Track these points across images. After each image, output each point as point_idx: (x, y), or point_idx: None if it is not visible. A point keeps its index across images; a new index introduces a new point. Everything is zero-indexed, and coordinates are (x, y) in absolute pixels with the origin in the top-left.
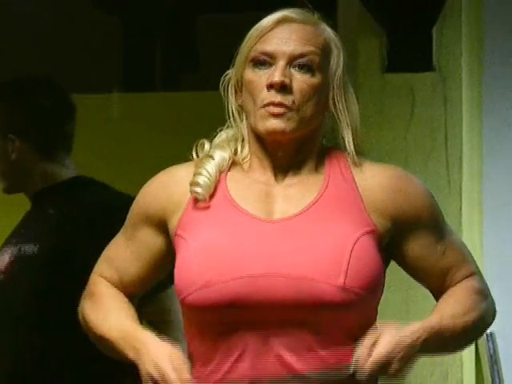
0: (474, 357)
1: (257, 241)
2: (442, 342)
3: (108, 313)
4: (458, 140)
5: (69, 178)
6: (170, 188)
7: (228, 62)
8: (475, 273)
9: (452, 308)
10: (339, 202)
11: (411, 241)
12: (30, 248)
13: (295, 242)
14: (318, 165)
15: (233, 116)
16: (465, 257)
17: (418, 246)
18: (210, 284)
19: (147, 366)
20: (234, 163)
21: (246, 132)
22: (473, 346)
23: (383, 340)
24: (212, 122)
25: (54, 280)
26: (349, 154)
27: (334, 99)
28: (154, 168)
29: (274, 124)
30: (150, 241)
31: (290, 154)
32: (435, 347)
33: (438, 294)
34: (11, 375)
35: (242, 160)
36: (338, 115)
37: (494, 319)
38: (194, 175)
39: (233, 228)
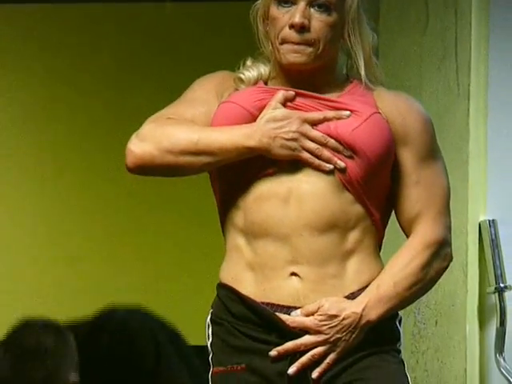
0: (478, 242)
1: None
2: (389, 307)
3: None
4: (467, 48)
5: None
6: (224, 81)
7: None
8: (437, 226)
9: (393, 275)
10: (358, 101)
11: (408, 157)
12: None
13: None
14: (336, 87)
15: (261, 42)
16: (435, 201)
17: (396, 166)
18: None
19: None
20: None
21: (271, 56)
22: (476, 233)
23: (323, 307)
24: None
25: None
26: (361, 79)
27: (348, 33)
28: None
29: (294, 58)
30: (206, 105)
31: (310, 79)
32: (384, 312)
33: (406, 233)
34: None
35: (270, 80)
36: (351, 47)
37: (447, 266)
38: (239, 73)
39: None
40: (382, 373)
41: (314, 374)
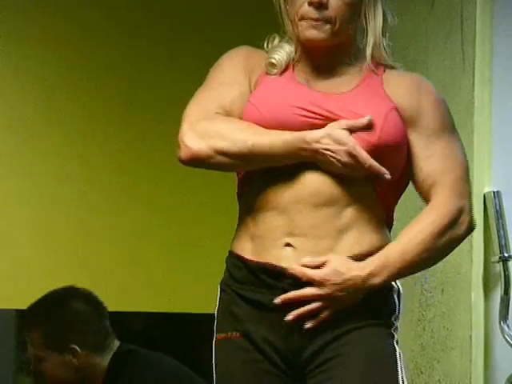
0: (483, 213)
1: (309, 99)
2: (394, 273)
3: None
4: (472, 23)
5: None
6: (249, 58)
7: None
8: (453, 195)
9: (403, 244)
10: (371, 90)
11: (417, 139)
12: None
13: (340, 105)
14: (354, 68)
15: (284, 21)
16: (450, 171)
17: (409, 146)
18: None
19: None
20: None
21: (293, 35)
22: (481, 204)
23: (329, 263)
24: None
25: None
26: (368, 58)
27: (365, 12)
28: None
29: (313, 34)
30: (247, 86)
31: (329, 58)
32: (389, 278)
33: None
34: None
35: (296, 63)
36: (366, 26)
37: (465, 234)
38: (270, 55)
39: (290, 91)
40: (360, 352)
41: (308, 325)
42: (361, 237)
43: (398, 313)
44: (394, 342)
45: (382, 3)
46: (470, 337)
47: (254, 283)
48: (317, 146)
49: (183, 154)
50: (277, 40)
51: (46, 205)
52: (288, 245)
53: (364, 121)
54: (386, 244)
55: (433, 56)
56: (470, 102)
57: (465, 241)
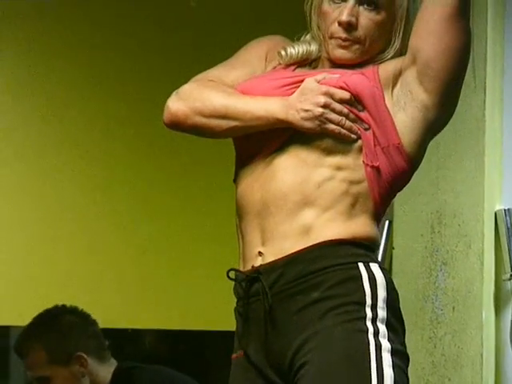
0: (494, 230)
1: (288, 78)
2: None
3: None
4: (483, 41)
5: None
6: (274, 49)
7: None
8: None
9: None
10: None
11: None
12: None
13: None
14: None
15: (314, 31)
16: None
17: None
18: None
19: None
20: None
21: (321, 41)
22: (492, 221)
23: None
24: None
25: None
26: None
27: (395, 31)
28: None
29: (341, 54)
30: (251, 67)
31: (351, 66)
32: None
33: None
34: None
35: (317, 61)
36: (393, 42)
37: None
38: (287, 46)
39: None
40: (328, 356)
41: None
42: (327, 230)
43: (374, 300)
44: (368, 336)
45: (411, 18)
46: (481, 355)
47: (240, 295)
48: (292, 101)
49: (165, 116)
50: (309, 36)
51: (48, 220)
52: (259, 253)
53: (321, 76)
54: (364, 231)
55: None
56: (481, 120)
57: (476, 258)
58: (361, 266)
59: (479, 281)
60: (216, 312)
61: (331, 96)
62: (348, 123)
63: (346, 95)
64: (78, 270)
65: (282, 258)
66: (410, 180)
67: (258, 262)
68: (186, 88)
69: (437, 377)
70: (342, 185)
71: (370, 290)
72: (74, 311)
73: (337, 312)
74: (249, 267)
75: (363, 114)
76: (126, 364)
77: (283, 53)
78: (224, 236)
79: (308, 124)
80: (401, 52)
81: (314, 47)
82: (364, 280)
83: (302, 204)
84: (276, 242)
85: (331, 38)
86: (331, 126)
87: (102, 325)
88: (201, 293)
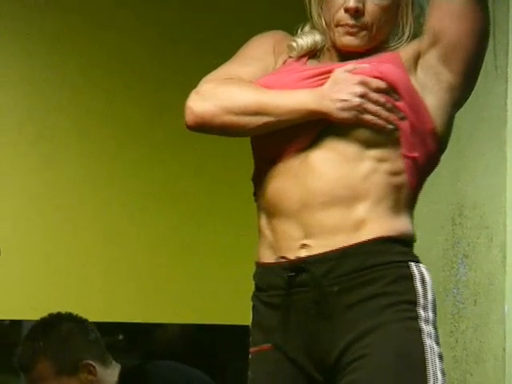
0: None
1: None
2: None
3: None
4: (505, 30)
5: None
6: (282, 41)
7: None
8: None
9: None
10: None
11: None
12: None
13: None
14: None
15: (313, 19)
16: None
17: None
18: None
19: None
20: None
21: (326, 30)
22: None
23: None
24: None
25: None
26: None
27: (401, 15)
28: None
29: (348, 40)
30: (263, 62)
31: (359, 55)
32: None
33: None
34: None
35: (322, 52)
36: (401, 28)
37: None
38: (291, 40)
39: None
40: (385, 353)
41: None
42: (379, 224)
43: (425, 301)
44: (423, 337)
45: (417, 4)
46: (504, 349)
47: (274, 286)
48: (325, 91)
49: (188, 118)
50: (308, 28)
51: (64, 212)
52: (304, 245)
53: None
54: (408, 228)
55: None
56: (503, 109)
57: (498, 251)
58: (412, 265)
59: (501, 274)
60: (231, 306)
61: (367, 85)
62: (385, 113)
63: (382, 84)
64: (93, 262)
65: (334, 250)
66: (438, 163)
67: (303, 253)
68: (208, 87)
69: (459, 372)
70: (386, 177)
71: (421, 290)
72: (70, 318)
73: (394, 309)
74: (289, 258)
75: (400, 103)
76: (130, 364)
77: (294, 45)
78: (239, 228)
79: (345, 114)
80: (412, 35)
81: (318, 37)
82: (416, 280)
83: (353, 198)
84: (325, 236)
85: (337, 25)
86: (368, 117)
87: (115, 319)
88: (216, 286)
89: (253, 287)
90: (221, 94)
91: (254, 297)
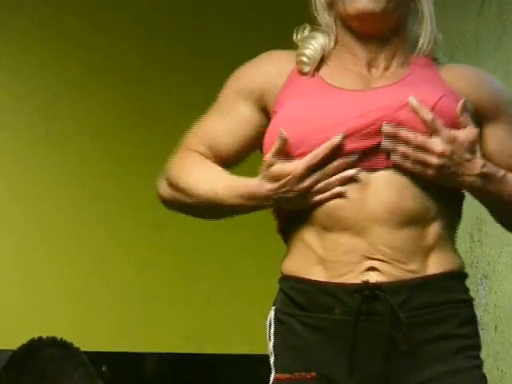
0: None
1: (350, 103)
2: (499, 194)
3: (205, 171)
4: None
5: None
6: (266, 68)
7: None
8: None
9: None
10: (425, 81)
11: (487, 134)
12: None
13: (385, 98)
14: (406, 60)
15: (318, 10)
16: None
17: (492, 140)
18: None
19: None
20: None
21: (333, 25)
22: None
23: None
24: None
25: None
26: (422, 46)
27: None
28: None
29: (364, 3)
30: (247, 115)
31: (380, 45)
32: (492, 193)
33: None
34: None
35: (328, 53)
36: (420, 13)
37: None
38: (301, 48)
39: (327, 97)
40: None
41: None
42: (445, 256)
43: (480, 345)
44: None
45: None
46: None
47: (326, 308)
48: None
49: (157, 195)
50: (307, 30)
51: (44, 237)
52: (371, 269)
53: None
54: (462, 263)
55: (483, 62)
56: None
57: None
58: (474, 305)
59: None
60: (222, 334)
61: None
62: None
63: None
64: (76, 289)
65: (408, 280)
66: None
67: (372, 277)
68: (172, 172)
69: None
70: (449, 201)
71: (480, 334)
72: (53, 343)
73: (467, 354)
74: (353, 280)
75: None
76: None
77: (305, 59)
78: (228, 249)
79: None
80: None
81: (322, 39)
82: (478, 322)
83: (425, 220)
84: (396, 261)
85: None
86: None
87: (100, 348)
88: (208, 314)
89: (247, 315)
90: (183, 185)
91: (283, 314)
